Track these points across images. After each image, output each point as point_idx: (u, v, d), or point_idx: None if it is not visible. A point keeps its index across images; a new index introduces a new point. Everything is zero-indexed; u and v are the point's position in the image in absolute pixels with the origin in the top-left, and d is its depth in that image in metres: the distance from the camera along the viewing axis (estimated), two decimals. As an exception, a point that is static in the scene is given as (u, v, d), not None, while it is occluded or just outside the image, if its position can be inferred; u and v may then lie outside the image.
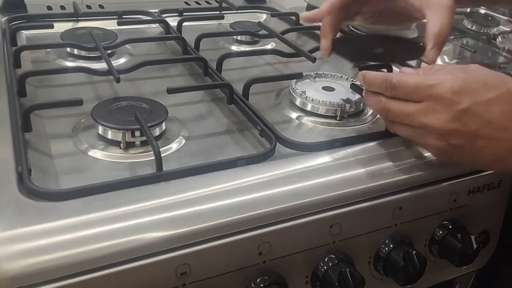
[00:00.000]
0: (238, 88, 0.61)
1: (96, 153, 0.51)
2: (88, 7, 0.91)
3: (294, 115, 0.62)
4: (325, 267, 0.48)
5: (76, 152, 0.51)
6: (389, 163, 0.51)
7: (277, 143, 0.51)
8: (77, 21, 0.85)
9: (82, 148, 0.51)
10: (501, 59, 0.91)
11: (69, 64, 0.71)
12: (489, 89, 0.44)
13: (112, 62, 0.63)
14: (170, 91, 0.55)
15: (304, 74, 0.65)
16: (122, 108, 0.55)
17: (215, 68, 0.67)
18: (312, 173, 0.48)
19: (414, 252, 0.50)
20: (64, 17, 0.84)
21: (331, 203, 0.47)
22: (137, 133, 0.52)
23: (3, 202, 0.40)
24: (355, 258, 0.50)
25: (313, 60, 0.68)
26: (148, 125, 0.50)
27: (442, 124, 0.44)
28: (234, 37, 0.85)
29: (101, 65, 0.70)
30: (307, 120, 0.61)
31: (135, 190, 0.43)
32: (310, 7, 1.08)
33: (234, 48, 0.83)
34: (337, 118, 0.61)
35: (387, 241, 0.51)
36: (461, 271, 0.60)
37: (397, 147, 0.53)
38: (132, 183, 0.44)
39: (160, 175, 0.45)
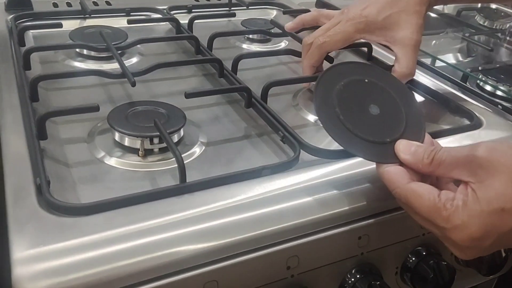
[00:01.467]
0: (254, 89, 0.60)
1: (114, 161, 0.49)
2: (95, 3, 0.89)
3: (312, 117, 0.61)
4: (353, 279, 0.47)
5: (93, 160, 0.49)
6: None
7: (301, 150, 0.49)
8: (84, 18, 0.82)
9: (99, 156, 0.49)
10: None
11: (79, 64, 0.69)
12: (508, 215, 0.37)
13: (124, 62, 0.61)
14: (188, 95, 0.53)
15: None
16: (139, 113, 0.53)
17: (230, 69, 0.65)
18: (339, 182, 0.47)
19: (443, 263, 0.48)
20: (71, 14, 0.81)
21: (360, 214, 0.46)
22: (156, 140, 0.50)
23: (22, 217, 0.39)
24: (383, 269, 0.49)
25: (331, 60, 0.66)
26: (167, 131, 0.49)
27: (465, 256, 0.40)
28: (246, 35, 0.83)
29: (112, 66, 0.68)
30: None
31: (158, 202, 0.42)
32: (320, 3, 1.06)
33: (246, 46, 0.81)
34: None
35: (414, 251, 0.50)
36: (485, 278, 0.59)
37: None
38: (155, 195, 0.42)
39: (184, 187, 0.43)
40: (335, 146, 0.52)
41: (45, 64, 0.68)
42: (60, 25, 0.73)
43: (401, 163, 0.42)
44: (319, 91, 0.45)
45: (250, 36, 0.82)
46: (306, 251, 0.44)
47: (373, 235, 0.47)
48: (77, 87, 0.63)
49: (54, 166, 0.47)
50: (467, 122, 0.60)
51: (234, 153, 0.52)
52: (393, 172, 0.41)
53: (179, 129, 0.51)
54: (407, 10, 0.58)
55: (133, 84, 0.55)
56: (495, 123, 0.59)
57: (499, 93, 0.74)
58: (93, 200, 0.41)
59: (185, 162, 0.48)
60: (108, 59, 0.70)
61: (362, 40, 0.65)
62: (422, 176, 0.41)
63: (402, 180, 0.40)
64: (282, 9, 0.95)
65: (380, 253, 0.48)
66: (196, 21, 0.79)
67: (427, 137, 0.45)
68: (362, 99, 0.46)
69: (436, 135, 0.53)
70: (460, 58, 0.93)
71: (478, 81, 0.76)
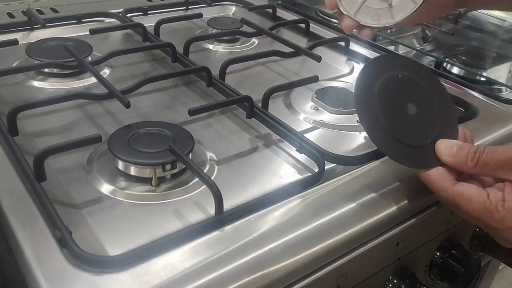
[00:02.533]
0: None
1: (126, 195, 0.44)
2: (40, 12, 0.80)
3: (304, 116, 0.59)
4: (391, 285, 0.46)
5: (102, 196, 0.44)
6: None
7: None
8: (32, 30, 0.74)
9: (108, 191, 0.44)
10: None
11: (42, 84, 0.61)
12: None
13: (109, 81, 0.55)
14: (192, 112, 0.49)
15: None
16: (142, 138, 0.48)
17: (218, 77, 0.61)
18: (367, 189, 0.45)
19: (472, 256, 0.49)
20: (17, 26, 0.72)
21: (398, 219, 0.45)
22: (168, 167, 0.45)
23: (53, 277, 0.33)
24: (416, 271, 0.49)
25: (319, 59, 0.64)
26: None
27: None
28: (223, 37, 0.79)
29: (82, 84, 0.62)
30: (326, 124, 0.58)
31: (195, 241, 0.38)
32: (272, -5, 1.04)
33: (213, 47, 0.77)
34: (358, 121, 0.59)
35: (440, 247, 0.50)
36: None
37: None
38: (192, 234, 0.38)
39: (222, 218, 0.39)
40: (354, 151, 0.52)
41: (4, 88, 0.60)
42: (16, 42, 0.64)
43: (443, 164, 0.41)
44: (359, 96, 0.43)
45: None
46: (352, 266, 0.42)
47: (408, 239, 0.46)
48: (51, 111, 0.55)
49: (62, 210, 0.41)
50: (461, 110, 0.61)
51: (249, 169, 0.49)
52: (436, 175, 0.40)
53: (189, 152, 0.47)
54: None
55: (128, 106, 0.49)
56: (489, 111, 0.61)
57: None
58: (122, 247, 0.37)
59: (204, 187, 0.45)
60: (73, 75, 0.63)
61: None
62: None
63: (447, 183, 0.40)
64: (241, 5, 0.92)
65: (413, 255, 0.48)
66: (163, 25, 0.73)
67: (460, 130, 0.45)
68: (400, 98, 0.44)
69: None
70: (417, 44, 0.95)
71: (446, 66, 0.78)
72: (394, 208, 0.44)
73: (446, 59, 0.78)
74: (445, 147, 0.41)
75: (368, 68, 0.45)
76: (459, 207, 0.39)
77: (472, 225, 0.54)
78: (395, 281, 0.46)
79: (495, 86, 0.74)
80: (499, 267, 0.82)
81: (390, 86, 0.44)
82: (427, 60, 0.83)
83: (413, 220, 0.46)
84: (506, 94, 0.71)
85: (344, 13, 0.50)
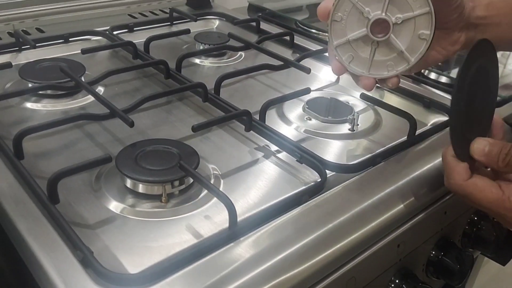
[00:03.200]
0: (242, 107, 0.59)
1: (137, 213, 0.45)
2: (26, 32, 0.80)
3: (297, 125, 0.61)
4: (393, 285, 0.49)
5: (114, 215, 0.45)
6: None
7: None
8: (20, 51, 0.74)
9: (119, 210, 0.45)
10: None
11: (36, 106, 0.61)
12: None
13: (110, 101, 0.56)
14: (196, 129, 0.51)
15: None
16: (148, 155, 0.49)
17: (213, 92, 0.63)
18: (368, 195, 0.48)
19: (465, 253, 0.52)
20: (5, 48, 0.72)
21: (398, 222, 0.47)
22: (176, 183, 0.47)
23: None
24: (415, 270, 0.51)
25: (308, 71, 0.67)
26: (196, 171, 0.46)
27: None
28: (201, 48, 0.80)
29: (77, 104, 0.63)
30: (318, 133, 0.60)
31: (211, 254, 0.39)
32: (252, 7, 1.06)
33: (199, 61, 0.78)
34: (350, 129, 0.61)
35: (436, 246, 0.53)
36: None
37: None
38: (209, 248, 0.39)
39: (236, 231, 0.41)
40: (349, 158, 0.54)
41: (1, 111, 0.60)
42: (10, 65, 0.64)
43: None
44: (464, 92, 0.42)
45: (205, 47, 0.80)
46: (360, 269, 0.44)
47: (408, 240, 0.49)
48: (50, 132, 0.56)
49: (77, 230, 0.41)
50: (445, 117, 0.64)
51: (253, 180, 0.51)
52: (453, 166, 0.43)
53: (197, 166, 0.48)
54: None
55: (132, 125, 0.51)
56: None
57: (443, 80, 0.81)
58: (141, 264, 0.38)
59: (213, 200, 0.47)
60: (67, 96, 0.64)
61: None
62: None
63: (465, 176, 0.43)
64: (224, 19, 0.94)
65: (412, 256, 0.51)
66: (152, 42, 0.75)
67: (497, 120, 0.47)
68: (478, 94, 0.44)
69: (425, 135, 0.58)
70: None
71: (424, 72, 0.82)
72: (394, 211, 0.47)
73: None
74: (477, 148, 0.43)
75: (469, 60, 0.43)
76: (471, 197, 0.42)
77: (463, 223, 0.58)
78: (397, 281, 0.49)
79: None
80: (482, 263, 0.86)
81: (477, 79, 0.43)
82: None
83: (412, 222, 0.49)
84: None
85: (358, 74, 0.48)
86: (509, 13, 0.49)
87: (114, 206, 0.45)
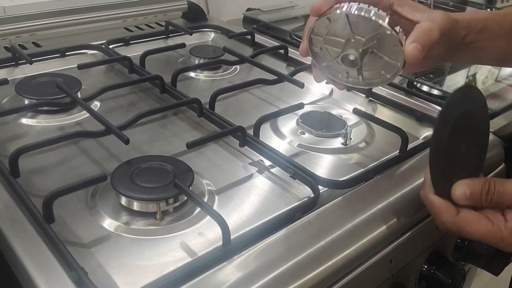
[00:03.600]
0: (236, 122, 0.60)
1: (132, 231, 0.45)
2: (22, 47, 0.80)
3: (296, 143, 0.62)
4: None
5: (109, 233, 0.45)
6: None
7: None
8: (17, 65, 0.74)
9: (114, 228, 0.46)
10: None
11: (31, 122, 0.62)
12: None
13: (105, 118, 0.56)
14: (191, 146, 0.51)
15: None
16: (144, 173, 0.49)
17: (208, 107, 0.63)
18: (359, 211, 0.48)
19: (457, 267, 0.53)
20: (1, 63, 0.73)
21: (390, 237, 0.48)
22: (171, 200, 0.47)
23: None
24: (407, 284, 0.52)
25: (302, 85, 0.67)
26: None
27: None
28: (197, 62, 0.81)
29: (74, 119, 0.63)
30: (312, 148, 0.61)
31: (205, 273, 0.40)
32: (247, 19, 1.07)
33: (194, 75, 0.79)
34: (343, 143, 0.62)
35: (428, 259, 0.54)
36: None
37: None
38: (202, 267, 0.40)
39: (229, 250, 0.41)
40: (342, 173, 0.55)
41: (-4, 127, 0.61)
42: (6, 82, 0.65)
43: None
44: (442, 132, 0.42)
45: (201, 61, 0.81)
46: (353, 286, 0.45)
47: (400, 255, 0.50)
48: (45, 149, 0.56)
49: (72, 250, 0.42)
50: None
51: (246, 196, 0.52)
52: (442, 206, 0.43)
53: (191, 183, 0.49)
54: None
55: (127, 142, 0.51)
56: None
57: (435, 92, 0.82)
58: (135, 283, 0.39)
59: (207, 218, 0.47)
60: (63, 111, 0.64)
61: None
62: None
63: (453, 212, 0.43)
64: (219, 32, 0.94)
65: (405, 271, 0.51)
66: (148, 56, 0.75)
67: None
68: (462, 137, 0.44)
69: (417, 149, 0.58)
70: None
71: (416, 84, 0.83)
72: (386, 226, 0.48)
73: (417, 78, 0.83)
74: (459, 194, 0.43)
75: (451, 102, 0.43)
76: (464, 232, 0.42)
77: (454, 237, 0.58)
78: (390, 296, 0.49)
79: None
80: (475, 273, 0.86)
81: (459, 126, 0.43)
82: (399, 79, 0.87)
83: (403, 237, 0.50)
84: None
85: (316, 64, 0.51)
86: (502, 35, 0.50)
87: (109, 224, 0.46)
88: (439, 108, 0.71)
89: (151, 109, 0.58)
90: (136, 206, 0.47)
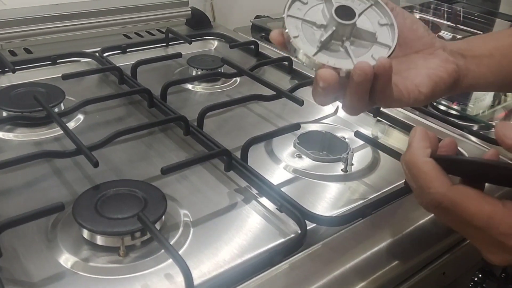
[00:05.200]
0: (226, 142, 0.55)
1: (90, 269, 0.40)
2: (12, 53, 0.77)
3: (291, 168, 0.56)
4: None
5: (64, 271, 0.40)
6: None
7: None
8: (3, 73, 0.71)
9: (70, 265, 0.40)
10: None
11: (8, 136, 0.58)
12: None
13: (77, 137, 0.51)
14: (165, 171, 0.46)
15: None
16: (110, 200, 0.44)
17: (196, 124, 0.58)
18: (353, 254, 0.42)
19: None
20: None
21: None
22: (138, 234, 0.42)
23: None
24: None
25: (301, 103, 0.61)
26: (152, 222, 0.41)
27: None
28: (194, 73, 0.76)
29: (53, 133, 0.59)
30: (309, 174, 0.55)
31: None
32: (255, 27, 1.02)
33: (192, 87, 0.74)
34: (342, 169, 0.56)
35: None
36: None
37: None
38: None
39: (193, 298, 0.36)
40: (339, 206, 0.49)
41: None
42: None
43: None
44: None
45: (199, 73, 0.75)
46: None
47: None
48: (14, 167, 0.52)
49: (18, 290, 0.37)
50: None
51: (226, 230, 0.46)
52: (433, 172, 0.34)
53: (161, 216, 0.44)
54: None
55: (96, 165, 0.46)
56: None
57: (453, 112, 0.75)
58: None
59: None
60: (44, 124, 0.60)
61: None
62: None
63: (446, 181, 0.33)
64: (223, 40, 0.89)
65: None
66: (140, 66, 0.70)
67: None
68: None
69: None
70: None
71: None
72: (382, 274, 0.41)
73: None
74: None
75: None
76: (458, 208, 0.33)
77: (465, 284, 0.51)
78: None
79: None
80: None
81: None
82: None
83: (402, 287, 0.43)
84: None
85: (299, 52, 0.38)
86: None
87: (65, 259, 0.41)
88: (458, 130, 0.64)
89: (127, 128, 0.53)
90: (99, 240, 0.42)
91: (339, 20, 0.37)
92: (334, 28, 0.38)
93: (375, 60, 0.37)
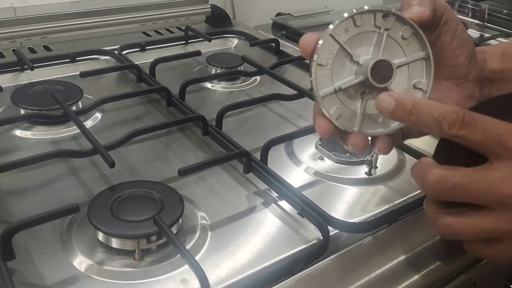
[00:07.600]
0: (244, 142, 0.53)
1: (105, 272, 0.39)
2: (32, 50, 0.76)
3: (313, 171, 0.54)
4: None
5: (78, 274, 0.39)
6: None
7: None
8: (22, 70, 0.70)
9: (85, 268, 0.39)
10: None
11: (25, 134, 0.57)
12: None
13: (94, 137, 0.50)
14: (183, 173, 0.44)
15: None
16: (126, 202, 0.43)
17: (214, 124, 0.57)
18: (378, 263, 0.40)
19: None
20: (6, 67, 0.69)
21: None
22: (154, 238, 0.41)
23: None
24: None
25: (324, 103, 0.59)
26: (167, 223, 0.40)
27: None
28: (213, 72, 0.75)
29: (70, 132, 0.58)
30: (331, 177, 0.53)
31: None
32: (276, 25, 1.00)
33: (211, 86, 0.72)
34: (366, 173, 0.54)
35: None
36: None
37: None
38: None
39: (210, 307, 0.34)
40: (363, 211, 0.47)
41: (-14, 137, 0.56)
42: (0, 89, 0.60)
43: None
44: None
45: (218, 71, 0.74)
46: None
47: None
48: (30, 166, 0.51)
49: (30, 294, 0.36)
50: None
51: (245, 235, 0.44)
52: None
53: (178, 219, 0.42)
54: None
55: (112, 166, 0.45)
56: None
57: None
58: None
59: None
60: (61, 122, 0.59)
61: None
62: None
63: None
64: (243, 37, 0.88)
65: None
66: (158, 64, 0.69)
67: None
68: None
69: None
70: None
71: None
72: (409, 284, 0.39)
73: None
74: None
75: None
76: (456, 188, 0.33)
77: None
78: None
79: None
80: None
81: None
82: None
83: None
84: None
85: (347, 131, 0.36)
86: None
87: (80, 262, 0.40)
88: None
89: (145, 127, 0.52)
90: (114, 243, 0.41)
91: (372, 82, 0.34)
92: (362, 78, 0.34)
93: None
